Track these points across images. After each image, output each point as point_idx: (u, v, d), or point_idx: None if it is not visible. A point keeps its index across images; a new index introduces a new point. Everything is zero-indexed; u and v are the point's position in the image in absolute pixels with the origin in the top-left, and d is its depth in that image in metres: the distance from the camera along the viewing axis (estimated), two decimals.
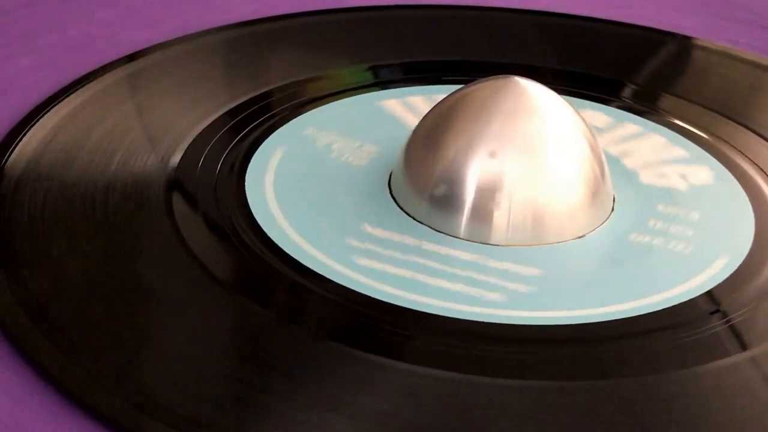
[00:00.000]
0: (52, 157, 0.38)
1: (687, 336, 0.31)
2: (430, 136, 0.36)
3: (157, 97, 0.42)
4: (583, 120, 0.37)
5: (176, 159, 0.38)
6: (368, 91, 0.44)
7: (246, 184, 0.37)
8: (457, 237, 0.35)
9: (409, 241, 0.35)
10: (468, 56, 0.47)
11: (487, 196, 0.35)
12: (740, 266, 0.34)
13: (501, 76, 0.36)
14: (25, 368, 0.29)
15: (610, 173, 0.37)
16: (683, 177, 0.39)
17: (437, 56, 0.47)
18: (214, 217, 0.35)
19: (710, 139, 0.41)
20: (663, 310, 0.32)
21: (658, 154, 0.41)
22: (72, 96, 0.41)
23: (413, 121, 0.38)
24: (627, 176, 0.39)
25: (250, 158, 0.39)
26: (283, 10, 0.50)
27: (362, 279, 0.33)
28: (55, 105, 0.41)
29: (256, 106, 0.42)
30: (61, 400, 0.28)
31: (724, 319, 0.32)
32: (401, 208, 0.36)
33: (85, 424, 0.28)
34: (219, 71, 0.46)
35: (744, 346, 0.31)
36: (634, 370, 0.30)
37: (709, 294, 0.33)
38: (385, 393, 0.29)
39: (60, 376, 0.29)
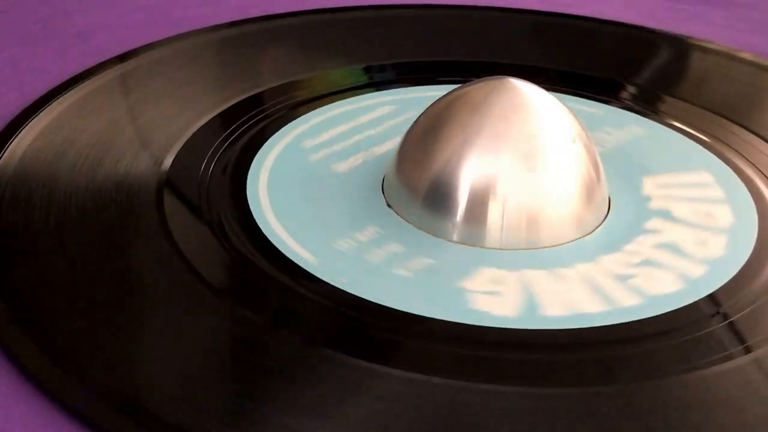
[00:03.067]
0: (43, 158, 0.37)
1: (688, 339, 0.31)
2: (423, 139, 0.36)
3: (149, 97, 0.42)
4: (578, 121, 0.36)
5: (169, 160, 0.38)
6: (362, 92, 0.44)
7: (239, 186, 0.37)
8: (450, 241, 0.35)
9: (403, 245, 0.34)
10: (463, 57, 0.47)
11: (480, 199, 0.34)
12: (741, 268, 0.34)
13: (494, 77, 0.36)
14: (12, 371, 0.29)
15: (605, 174, 0.37)
16: (681, 178, 0.39)
17: (432, 57, 0.47)
18: (206, 219, 0.35)
19: (709, 140, 0.41)
20: (663, 312, 0.32)
21: (656, 155, 0.40)
22: (63, 97, 0.41)
23: (407, 123, 0.37)
24: (623, 177, 0.38)
25: (243, 160, 0.38)
26: (276, 9, 0.50)
27: (355, 283, 0.32)
28: (47, 106, 0.41)
29: (250, 107, 0.42)
30: (49, 404, 0.28)
31: (726, 321, 0.32)
32: (395, 212, 0.36)
33: (73, 430, 0.27)
34: (212, 71, 0.46)
35: (747, 349, 0.31)
36: (635, 374, 0.30)
37: (710, 296, 0.33)
38: (377, 398, 0.28)
39: (48, 380, 0.28)
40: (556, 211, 0.35)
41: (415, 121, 0.37)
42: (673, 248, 0.35)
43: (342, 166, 0.38)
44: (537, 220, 0.34)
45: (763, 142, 0.41)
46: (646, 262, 0.34)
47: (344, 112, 0.42)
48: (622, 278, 0.34)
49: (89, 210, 0.35)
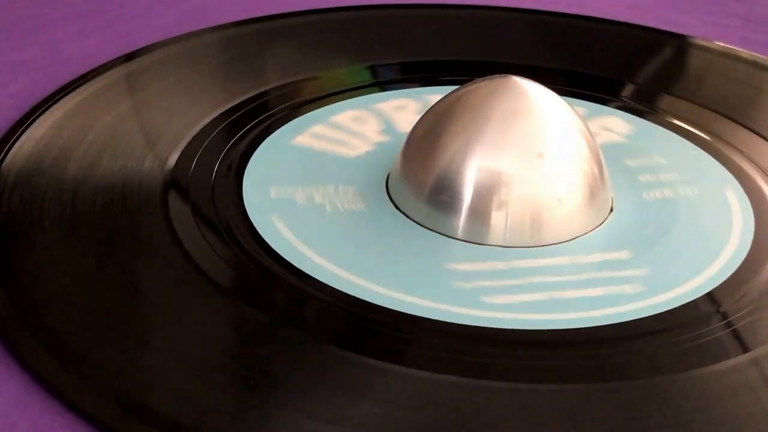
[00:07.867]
0: (49, 156, 0.38)
1: (688, 338, 0.31)
2: (428, 137, 0.36)
3: (154, 96, 0.42)
4: (582, 120, 0.37)
5: (173, 159, 0.38)
6: (366, 92, 0.44)
7: (243, 185, 0.37)
8: (455, 238, 0.35)
9: (407, 242, 0.35)
10: (466, 56, 0.47)
11: (485, 197, 0.35)
12: (740, 267, 0.34)
13: (499, 75, 0.36)
14: (19, 371, 0.29)
15: (608, 173, 0.37)
16: (683, 177, 0.39)
17: (436, 56, 0.47)
18: (211, 218, 0.35)
19: (710, 139, 0.41)
20: (663, 311, 0.32)
21: (657, 153, 0.40)
22: (69, 96, 0.41)
23: (412, 122, 0.38)
24: (626, 177, 0.39)
25: (248, 159, 0.39)
26: (280, 9, 0.50)
27: (359, 282, 0.33)
28: (53, 104, 0.41)
29: (254, 107, 0.42)
30: (56, 404, 0.28)
31: (725, 321, 0.32)
32: (399, 210, 0.36)
33: (80, 430, 0.27)
34: (216, 71, 0.46)
35: (745, 348, 0.31)
36: (634, 373, 0.30)
37: (710, 295, 0.33)
38: (383, 396, 0.29)
39: (54, 379, 0.29)
40: (560, 209, 0.35)
41: (420, 120, 0.37)
42: (674, 247, 0.35)
43: (346, 165, 0.39)
44: (540, 218, 0.35)
45: (762, 140, 0.41)
46: (646, 260, 0.35)
47: (348, 112, 0.42)
48: (622, 277, 0.34)
49: (94, 208, 0.35)
